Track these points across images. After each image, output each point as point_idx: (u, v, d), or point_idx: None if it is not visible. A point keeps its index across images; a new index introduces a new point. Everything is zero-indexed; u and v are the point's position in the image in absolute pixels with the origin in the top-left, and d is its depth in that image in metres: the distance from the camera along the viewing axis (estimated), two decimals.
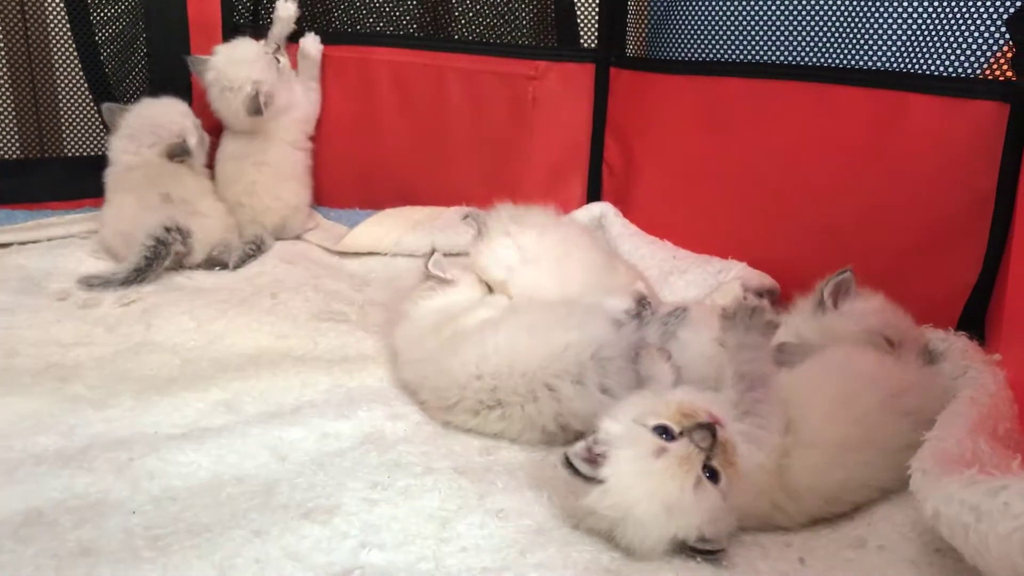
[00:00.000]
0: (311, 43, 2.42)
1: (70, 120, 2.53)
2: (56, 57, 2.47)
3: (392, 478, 1.28)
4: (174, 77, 2.50)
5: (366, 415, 1.48)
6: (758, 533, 1.17)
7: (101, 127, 2.41)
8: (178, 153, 2.22)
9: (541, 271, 1.66)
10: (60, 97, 2.51)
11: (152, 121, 2.23)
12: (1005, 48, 1.46)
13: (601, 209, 2.17)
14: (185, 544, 1.11)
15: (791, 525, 1.18)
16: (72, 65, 2.48)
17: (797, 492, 1.16)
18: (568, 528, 1.17)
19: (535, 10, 2.30)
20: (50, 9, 2.43)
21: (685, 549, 1.09)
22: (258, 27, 2.57)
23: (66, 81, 2.50)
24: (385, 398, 1.55)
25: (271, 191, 2.34)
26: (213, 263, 2.15)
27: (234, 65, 2.27)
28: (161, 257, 2.01)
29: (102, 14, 2.45)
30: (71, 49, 2.45)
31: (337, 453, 1.36)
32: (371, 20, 2.48)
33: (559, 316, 1.47)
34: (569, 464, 1.11)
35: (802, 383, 1.24)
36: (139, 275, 1.97)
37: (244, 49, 2.31)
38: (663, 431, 1.09)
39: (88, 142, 2.57)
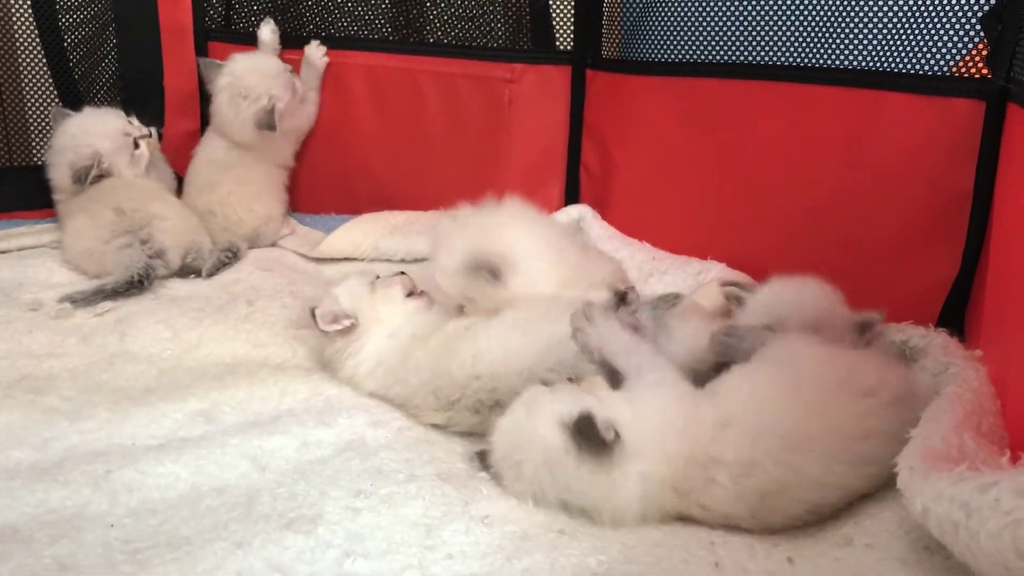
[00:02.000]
0: (315, 52, 2.39)
1: (39, 127, 2.48)
2: (23, 63, 2.43)
3: (375, 486, 1.27)
4: (145, 82, 2.48)
5: (347, 422, 1.46)
6: (746, 534, 1.16)
7: None
8: (82, 179, 2.12)
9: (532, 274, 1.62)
10: (27, 104, 2.46)
11: (65, 143, 2.16)
12: (980, 46, 1.47)
13: (579, 212, 2.17)
14: (166, 558, 1.09)
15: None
16: (40, 71, 2.43)
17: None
18: (555, 533, 1.16)
19: (510, 13, 2.29)
20: (16, 14, 2.38)
21: None
22: (230, 32, 2.55)
23: (33, 87, 2.45)
24: (366, 405, 1.53)
25: (245, 204, 2.32)
26: (187, 271, 2.12)
27: (254, 75, 2.25)
28: (143, 287, 1.97)
29: (71, 18, 2.41)
30: (39, 54, 2.40)
31: (318, 461, 1.35)
32: (344, 23, 2.46)
33: (546, 311, 1.47)
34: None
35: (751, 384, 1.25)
36: (118, 295, 1.93)
37: (267, 62, 2.30)
38: None
39: None
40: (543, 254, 1.63)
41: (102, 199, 2.10)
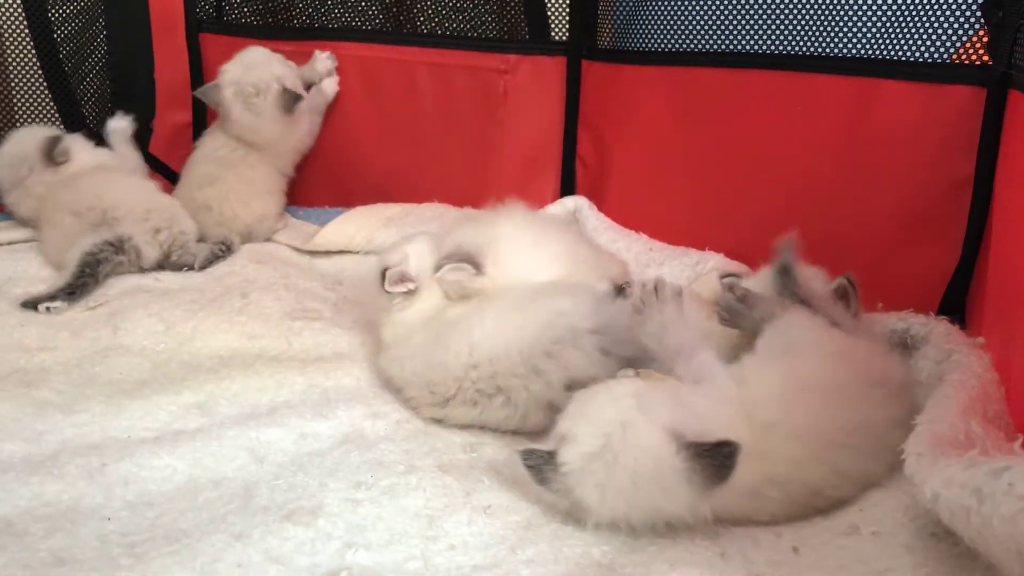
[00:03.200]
0: (330, 85, 2.39)
1: (27, 121, 2.45)
2: (10, 56, 2.40)
3: (375, 477, 1.25)
4: (136, 73, 2.45)
5: (345, 414, 1.45)
6: (750, 525, 1.15)
7: (59, 127, 2.36)
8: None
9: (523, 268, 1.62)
10: (15, 97, 2.44)
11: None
12: (981, 32, 1.46)
13: (576, 203, 2.15)
14: (163, 551, 1.07)
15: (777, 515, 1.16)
16: (28, 64, 2.41)
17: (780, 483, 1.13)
18: (558, 523, 1.15)
19: (505, 3, 2.27)
20: (3, 7, 2.35)
21: None
22: (221, 23, 2.53)
23: (22, 80, 2.42)
24: (364, 397, 1.52)
25: (244, 200, 2.29)
26: (179, 265, 2.09)
27: (252, 70, 2.23)
28: (97, 275, 1.93)
29: (61, 11, 2.38)
30: (28, 47, 2.38)
31: (317, 453, 1.33)
32: (336, 13, 2.44)
33: (545, 290, 1.46)
34: None
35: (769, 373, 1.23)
36: (75, 293, 1.88)
37: (254, 54, 2.27)
38: None
39: None
40: (531, 248, 1.63)
41: (59, 206, 2.06)
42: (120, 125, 2.33)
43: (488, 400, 1.40)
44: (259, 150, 2.29)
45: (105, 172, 2.21)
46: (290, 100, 2.23)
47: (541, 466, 1.13)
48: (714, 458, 1.04)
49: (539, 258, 1.63)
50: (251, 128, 2.26)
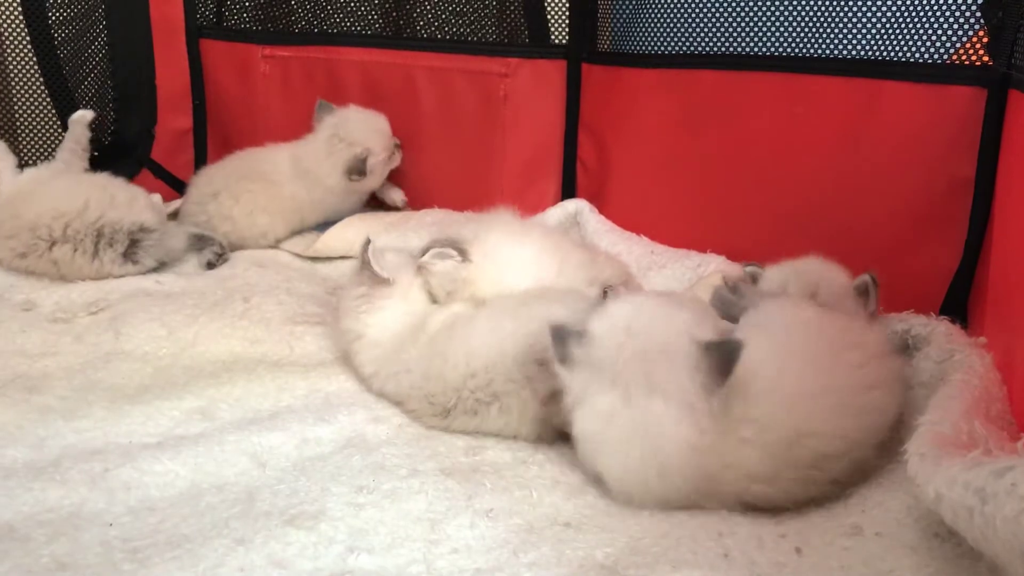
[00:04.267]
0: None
1: (26, 126, 2.46)
2: (10, 60, 2.40)
3: (377, 481, 1.25)
4: (137, 80, 2.45)
5: (347, 419, 1.44)
6: (753, 524, 1.15)
7: (59, 131, 2.35)
8: None
9: (516, 271, 1.63)
10: (15, 101, 2.44)
11: None
12: (980, 32, 1.46)
13: (576, 206, 2.15)
14: (166, 556, 1.07)
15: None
16: (28, 67, 2.41)
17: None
18: (560, 526, 1.15)
19: (504, 6, 2.28)
20: (3, 10, 2.36)
21: None
22: (221, 29, 2.53)
23: (22, 84, 2.42)
24: (365, 401, 1.52)
25: (251, 211, 2.26)
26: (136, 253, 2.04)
27: (361, 125, 2.25)
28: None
29: (61, 14, 2.38)
30: (27, 50, 2.38)
31: (319, 458, 1.33)
32: (337, 19, 2.44)
33: (539, 296, 1.47)
34: None
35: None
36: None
37: (379, 121, 2.28)
38: None
39: (46, 148, 2.49)
40: (517, 239, 1.65)
41: (17, 229, 1.99)
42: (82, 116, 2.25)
43: (486, 408, 1.39)
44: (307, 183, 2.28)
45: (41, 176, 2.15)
46: (356, 167, 2.21)
47: (567, 338, 1.22)
48: (721, 352, 1.15)
49: (526, 251, 1.63)
50: (315, 158, 2.25)
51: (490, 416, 1.40)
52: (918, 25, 1.55)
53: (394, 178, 2.38)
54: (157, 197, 2.28)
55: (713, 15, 1.85)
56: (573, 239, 1.99)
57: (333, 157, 2.23)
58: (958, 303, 1.54)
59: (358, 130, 2.24)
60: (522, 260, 1.62)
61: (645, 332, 1.19)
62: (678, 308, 1.24)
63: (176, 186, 2.46)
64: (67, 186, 2.06)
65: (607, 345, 1.19)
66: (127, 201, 2.07)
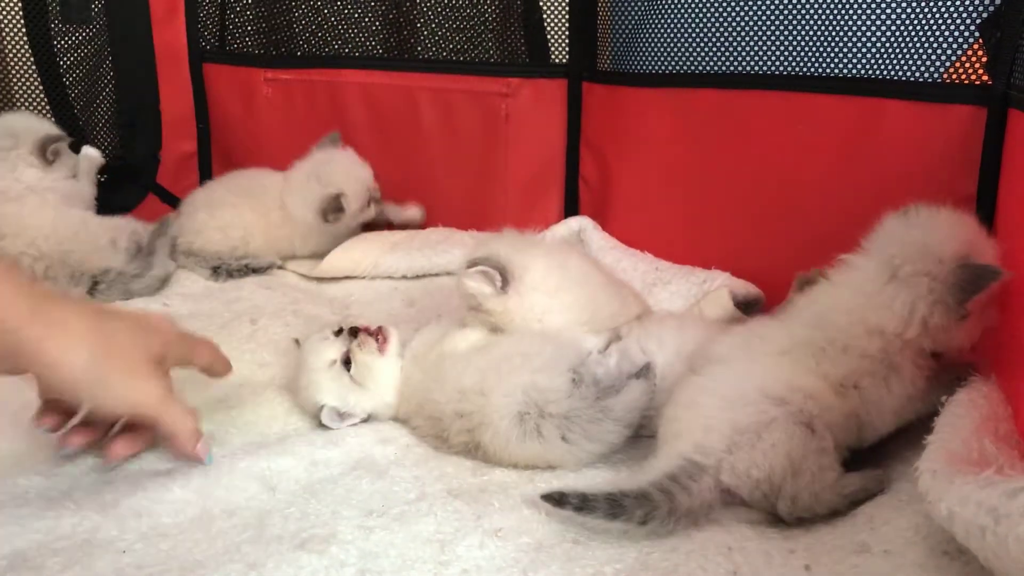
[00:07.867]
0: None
1: None
2: (16, 89, 2.42)
3: (386, 504, 1.26)
4: (140, 103, 2.47)
5: (355, 441, 1.45)
6: (762, 540, 1.16)
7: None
8: None
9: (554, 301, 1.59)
10: None
11: None
12: (980, 52, 1.47)
13: (580, 223, 2.16)
14: None
15: None
16: (35, 96, 2.43)
17: None
18: (569, 543, 1.16)
19: (505, 27, 2.29)
20: (9, 36, 2.38)
21: None
22: (224, 53, 2.55)
23: (28, 109, 2.44)
24: (372, 422, 1.52)
25: (226, 227, 2.27)
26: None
27: (342, 168, 2.25)
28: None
29: (67, 41, 2.41)
30: (33, 77, 2.40)
31: (328, 481, 1.34)
32: (338, 44, 2.46)
33: (532, 349, 1.45)
34: None
35: None
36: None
37: (364, 171, 2.28)
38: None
39: None
40: (560, 282, 1.60)
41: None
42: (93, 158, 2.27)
43: (475, 450, 1.41)
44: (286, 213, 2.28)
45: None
46: (329, 207, 2.20)
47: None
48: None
49: (567, 296, 1.59)
50: (291, 188, 2.27)
51: (478, 456, 1.41)
52: (917, 44, 1.56)
53: (399, 199, 2.40)
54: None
55: (713, 35, 1.87)
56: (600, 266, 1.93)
57: (306, 195, 2.23)
58: None
59: (337, 173, 2.24)
60: (563, 304, 1.59)
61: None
62: None
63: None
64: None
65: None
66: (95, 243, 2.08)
